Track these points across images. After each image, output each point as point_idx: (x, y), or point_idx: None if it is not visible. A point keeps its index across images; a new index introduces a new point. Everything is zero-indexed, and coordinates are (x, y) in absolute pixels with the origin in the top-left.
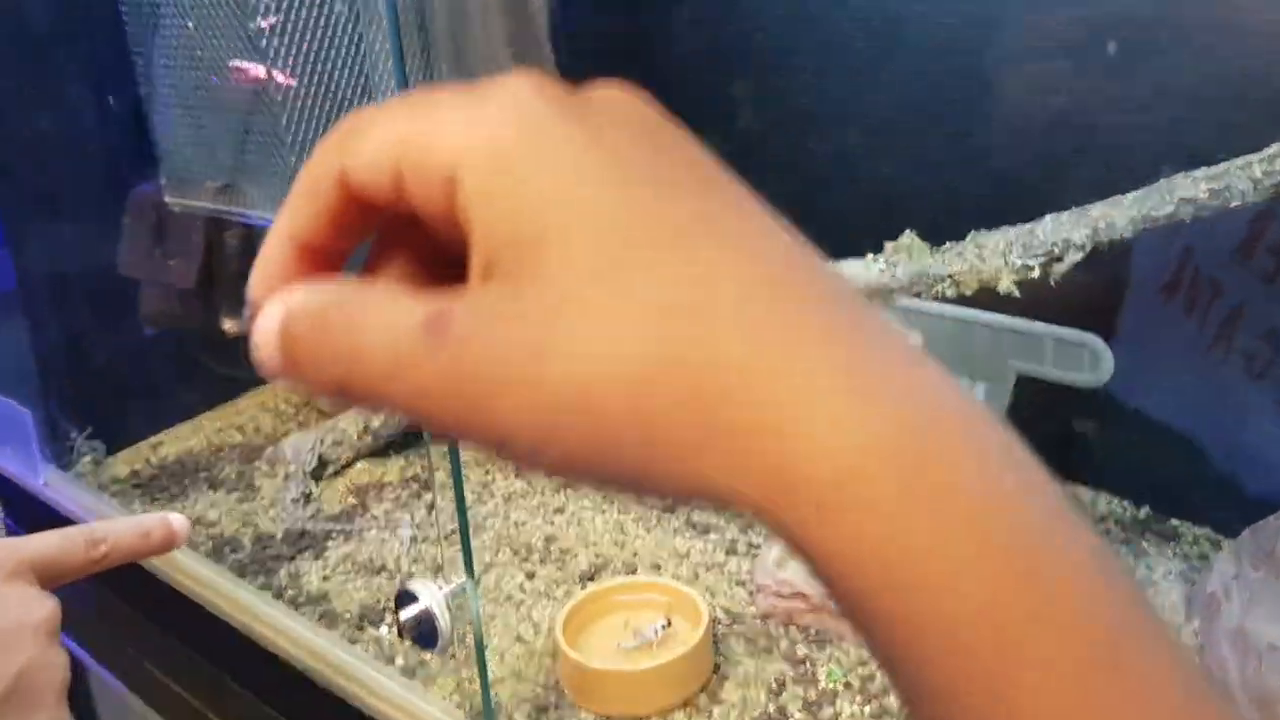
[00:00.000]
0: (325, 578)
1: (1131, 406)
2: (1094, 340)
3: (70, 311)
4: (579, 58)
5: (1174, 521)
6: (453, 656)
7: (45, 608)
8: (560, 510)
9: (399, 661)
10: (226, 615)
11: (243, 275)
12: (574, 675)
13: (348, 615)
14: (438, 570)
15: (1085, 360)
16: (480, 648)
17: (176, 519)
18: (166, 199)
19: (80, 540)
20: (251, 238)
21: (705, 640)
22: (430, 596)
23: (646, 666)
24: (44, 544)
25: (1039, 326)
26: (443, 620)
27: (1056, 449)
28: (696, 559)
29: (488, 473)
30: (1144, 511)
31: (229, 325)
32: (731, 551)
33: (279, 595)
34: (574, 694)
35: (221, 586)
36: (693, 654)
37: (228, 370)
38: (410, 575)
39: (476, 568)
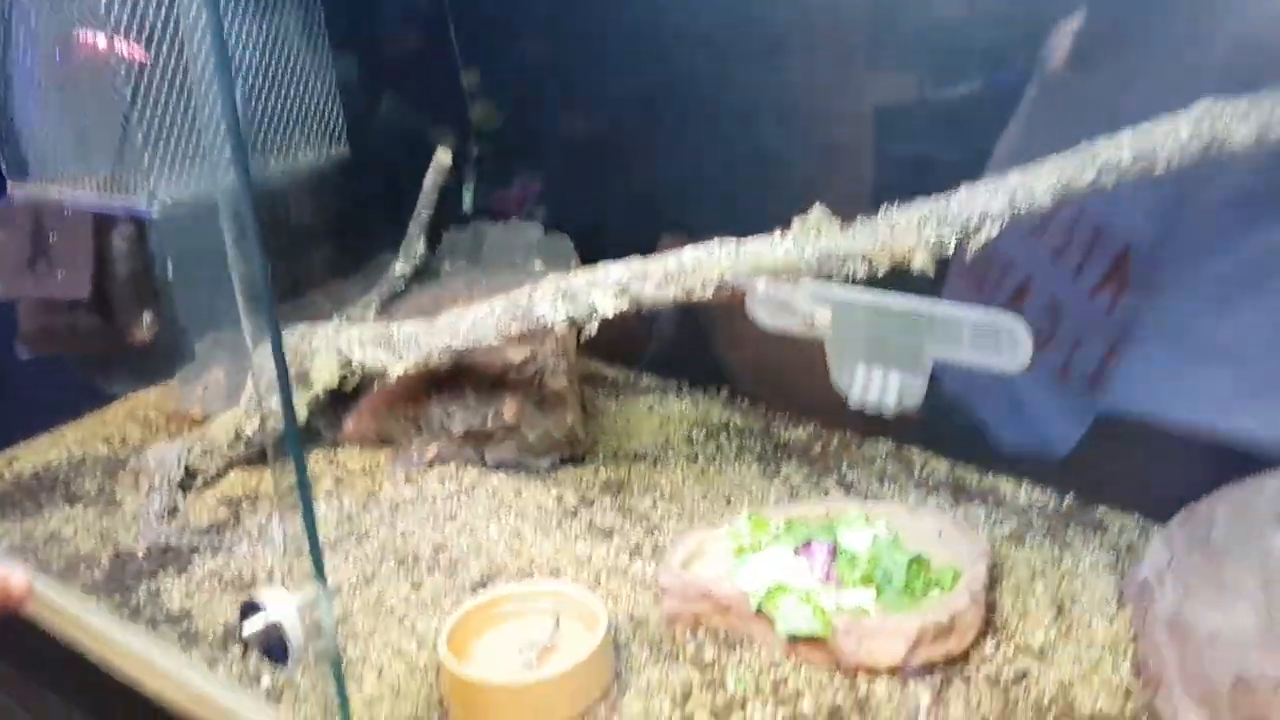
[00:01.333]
0: (188, 595)
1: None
2: (1012, 322)
3: None
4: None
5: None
6: (305, 673)
7: None
8: (452, 518)
9: (264, 683)
10: (69, 639)
11: (135, 276)
12: (458, 691)
13: (210, 635)
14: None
15: (1004, 343)
16: (337, 660)
17: (17, 580)
18: (9, 187)
19: None
20: (143, 236)
21: (603, 647)
22: (279, 607)
23: (537, 678)
24: None
25: (956, 309)
26: (293, 631)
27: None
28: (598, 564)
29: (374, 481)
30: (1067, 501)
31: (137, 333)
32: (636, 554)
33: (135, 615)
34: (460, 711)
35: (63, 607)
36: (589, 663)
37: (112, 383)
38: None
39: (357, 579)
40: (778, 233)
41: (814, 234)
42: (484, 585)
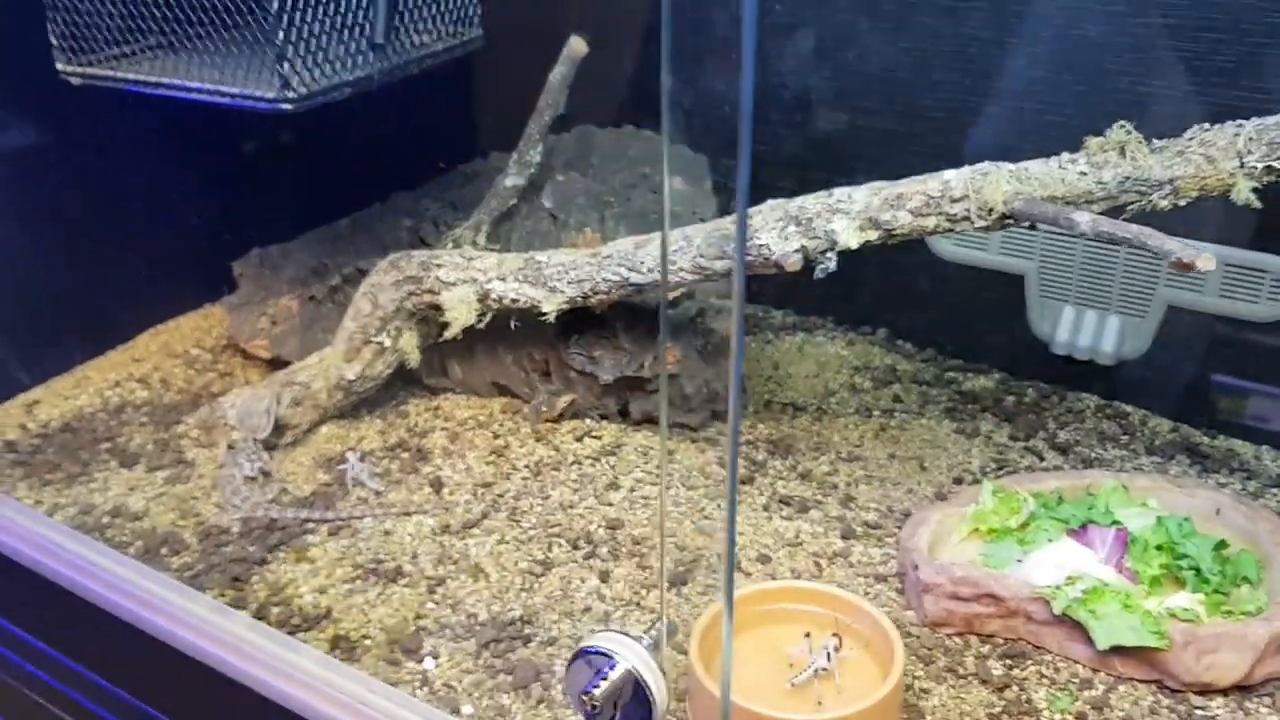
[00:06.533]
0: (321, 590)
1: None
2: (1277, 264)
3: None
4: None
5: None
6: None
7: None
8: (614, 486)
9: (466, 710)
10: (188, 646)
11: None
12: None
13: (369, 643)
14: (486, 572)
15: (1264, 289)
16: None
17: None
18: (58, 66)
19: None
20: None
21: (901, 677)
22: (631, 654)
23: (835, 716)
24: None
25: (1204, 247)
26: (655, 685)
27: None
28: (811, 546)
29: (496, 436)
30: None
31: None
32: (850, 535)
33: (261, 616)
34: None
35: (176, 604)
36: (891, 696)
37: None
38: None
39: (529, 566)
40: (1063, 154)
41: (1114, 155)
42: (684, 580)
